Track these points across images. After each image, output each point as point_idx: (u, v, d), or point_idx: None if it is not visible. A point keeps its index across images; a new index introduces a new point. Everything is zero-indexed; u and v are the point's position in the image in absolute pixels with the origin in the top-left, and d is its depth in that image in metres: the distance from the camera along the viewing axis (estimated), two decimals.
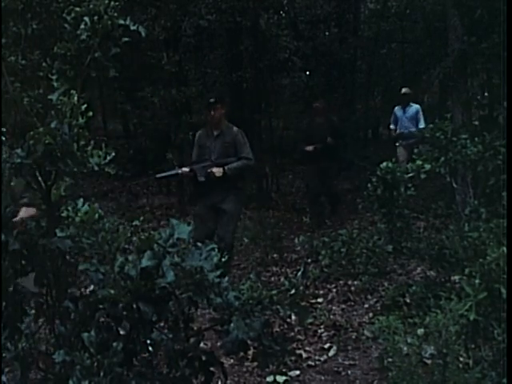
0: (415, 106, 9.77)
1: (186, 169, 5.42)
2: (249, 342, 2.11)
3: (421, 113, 9.74)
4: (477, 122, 7.40)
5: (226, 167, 5.33)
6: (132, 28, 2.37)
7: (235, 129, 5.54)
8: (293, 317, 2.28)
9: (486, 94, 11.43)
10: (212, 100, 5.65)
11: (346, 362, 3.85)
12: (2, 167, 2.19)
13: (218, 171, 5.30)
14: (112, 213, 8.00)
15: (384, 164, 5.42)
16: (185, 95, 8.82)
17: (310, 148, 7.93)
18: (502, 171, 3.95)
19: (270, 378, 3.60)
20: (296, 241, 6.19)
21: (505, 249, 2.58)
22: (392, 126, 10.15)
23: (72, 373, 1.94)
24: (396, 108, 10.03)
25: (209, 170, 5.32)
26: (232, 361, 3.84)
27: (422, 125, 9.55)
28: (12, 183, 2.27)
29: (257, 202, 9.01)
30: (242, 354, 2.16)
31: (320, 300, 5.01)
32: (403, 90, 9.84)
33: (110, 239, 2.06)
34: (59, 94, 2.26)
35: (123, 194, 10.22)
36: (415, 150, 6.59)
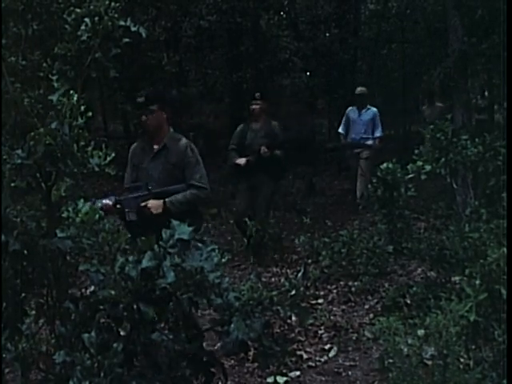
0: (372, 110, 8.42)
1: (107, 201, 3.54)
2: (249, 342, 2.11)
3: (378, 118, 8.40)
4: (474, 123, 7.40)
5: (167, 200, 3.66)
6: (132, 29, 2.38)
7: (184, 142, 3.89)
8: (293, 318, 2.29)
9: (485, 93, 11.41)
10: (141, 100, 3.98)
11: (347, 363, 3.85)
12: (2, 168, 2.19)
13: (155, 206, 3.62)
14: None
15: (384, 165, 5.43)
16: (185, 95, 8.83)
17: (241, 161, 6.23)
18: (503, 172, 3.94)
19: (270, 379, 3.60)
20: (296, 241, 6.18)
21: (505, 249, 2.58)
22: (341, 131, 8.62)
23: (72, 373, 1.94)
24: (349, 109, 8.60)
25: (142, 204, 3.62)
26: (232, 361, 3.84)
27: (378, 133, 8.35)
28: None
29: None
30: (242, 354, 2.17)
31: (320, 301, 5.00)
32: (358, 90, 8.55)
33: (110, 240, 2.06)
34: (59, 95, 2.26)
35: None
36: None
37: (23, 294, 2.35)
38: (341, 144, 8.84)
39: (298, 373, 3.73)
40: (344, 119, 8.64)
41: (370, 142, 8.38)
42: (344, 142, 8.62)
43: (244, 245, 6.37)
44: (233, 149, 6.42)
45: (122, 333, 2.11)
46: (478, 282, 2.56)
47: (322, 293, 5.21)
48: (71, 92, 2.22)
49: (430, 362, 2.68)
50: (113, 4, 2.32)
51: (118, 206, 3.59)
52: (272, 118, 6.64)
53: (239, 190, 6.51)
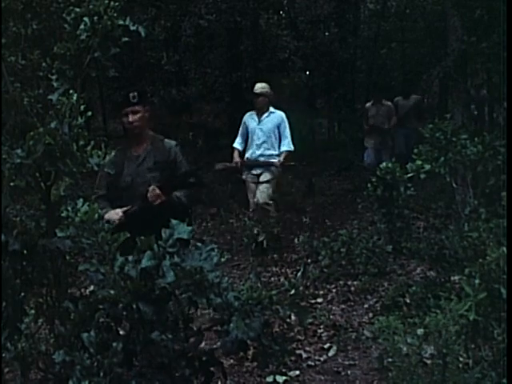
0: (278, 114, 6.22)
1: None
2: (248, 342, 2.11)
3: (286, 125, 6.16)
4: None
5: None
6: (132, 28, 2.37)
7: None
8: (292, 317, 2.28)
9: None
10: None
11: (346, 362, 3.85)
12: (1, 167, 2.19)
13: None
14: None
15: (384, 164, 5.44)
16: (185, 95, 8.83)
17: (113, 215, 3.46)
18: (502, 171, 3.95)
19: (269, 378, 3.60)
20: (296, 241, 6.18)
21: (504, 249, 2.58)
22: (237, 145, 6.32)
23: (72, 373, 1.94)
24: (247, 115, 6.36)
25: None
26: (232, 361, 3.84)
27: (286, 146, 6.15)
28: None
29: None
30: (241, 354, 2.17)
31: (320, 300, 5.00)
32: (257, 87, 6.21)
33: (110, 239, 2.07)
34: (59, 94, 2.27)
35: None
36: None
37: (23, 294, 2.35)
38: (234, 163, 6.29)
39: (297, 372, 3.73)
40: (241, 129, 6.37)
41: (274, 160, 6.18)
42: (238, 160, 6.22)
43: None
44: (100, 196, 3.69)
45: (121, 332, 2.11)
46: (477, 281, 2.56)
47: (321, 292, 5.21)
48: (71, 91, 2.23)
49: (429, 362, 2.69)
50: (112, 3, 2.32)
51: None
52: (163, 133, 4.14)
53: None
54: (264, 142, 6.18)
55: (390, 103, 9.21)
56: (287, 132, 6.19)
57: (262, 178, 6.20)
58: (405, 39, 12.62)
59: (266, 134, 6.16)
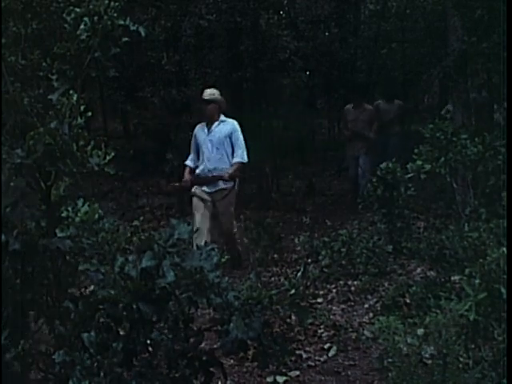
0: (229, 123, 5.62)
1: None
2: (249, 342, 2.11)
3: (239, 134, 5.56)
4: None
5: None
6: (132, 28, 2.37)
7: None
8: (293, 317, 2.28)
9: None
10: None
11: (346, 363, 3.85)
12: (1, 167, 2.19)
13: None
14: (112, 213, 7.99)
15: (384, 164, 5.45)
16: (185, 95, 8.82)
17: None
18: (502, 171, 3.94)
19: (270, 379, 3.60)
20: (296, 241, 6.18)
21: (505, 249, 2.58)
22: (189, 162, 5.72)
23: (72, 373, 1.94)
24: (197, 127, 5.77)
25: None
26: (232, 361, 3.84)
27: (238, 157, 5.51)
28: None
29: (257, 202, 9.01)
30: (241, 354, 2.17)
31: (320, 300, 5.00)
32: (206, 93, 5.70)
33: (110, 239, 2.07)
34: (59, 94, 2.27)
35: (123, 193, 10.21)
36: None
37: (23, 294, 2.35)
38: (183, 182, 5.67)
39: (297, 372, 3.73)
40: (192, 143, 5.74)
41: (225, 173, 5.50)
42: (188, 179, 5.59)
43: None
44: None
45: (121, 332, 2.11)
46: (477, 281, 2.56)
47: (321, 292, 5.21)
48: (71, 91, 2.23)
49: (429, 362, 2.69)
50: (112, 3, 2.32)
51: None
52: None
53: None
54: (215, 154, 5.53)
55: (371, 107, 8.73)
56: (240, 142, 5.53)
57: (215, 197, 5.55)
58: (405, 39, 12.60)
59: (216, 145, 5.51)
